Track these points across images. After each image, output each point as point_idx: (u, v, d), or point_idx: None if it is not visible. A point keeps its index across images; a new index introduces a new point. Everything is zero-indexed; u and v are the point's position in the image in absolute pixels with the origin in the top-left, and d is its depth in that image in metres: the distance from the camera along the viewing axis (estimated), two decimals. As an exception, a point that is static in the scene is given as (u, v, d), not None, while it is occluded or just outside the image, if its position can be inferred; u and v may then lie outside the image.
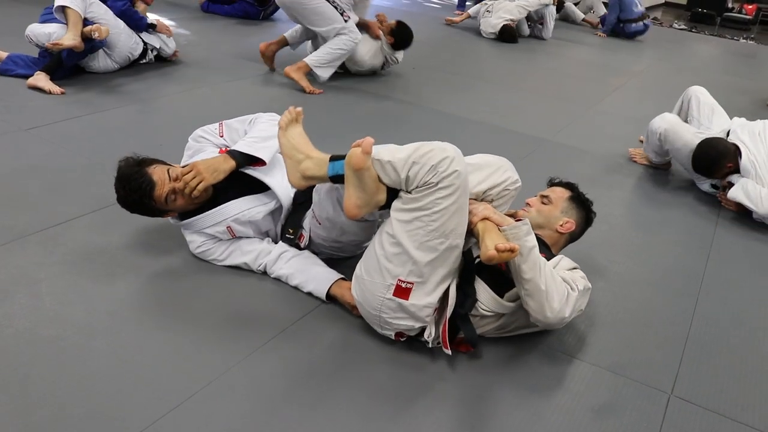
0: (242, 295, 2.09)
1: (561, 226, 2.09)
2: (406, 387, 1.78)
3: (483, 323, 1.87)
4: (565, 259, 1.99)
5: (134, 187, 2.02)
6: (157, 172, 2.05)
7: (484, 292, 1.83)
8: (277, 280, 2.16)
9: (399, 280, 1.73)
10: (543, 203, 2.14)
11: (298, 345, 1.89)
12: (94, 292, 2.02)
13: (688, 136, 3.31)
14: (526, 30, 7.31)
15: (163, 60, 4.56)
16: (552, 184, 2.30)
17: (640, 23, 7.79)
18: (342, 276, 2.09)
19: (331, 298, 2.07)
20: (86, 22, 3.87)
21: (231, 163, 2.11)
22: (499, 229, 1.76)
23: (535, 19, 7.32)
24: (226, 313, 1.99)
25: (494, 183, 1.94)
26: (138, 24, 4.27)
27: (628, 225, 3.00)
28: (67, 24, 3.75)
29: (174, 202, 2.07)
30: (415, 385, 1.79)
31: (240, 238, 2.20)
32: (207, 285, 2.12)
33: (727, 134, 3.28)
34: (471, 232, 1.80)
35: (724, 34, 9.70)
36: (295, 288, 2.12)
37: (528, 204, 2.16)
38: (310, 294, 2.09)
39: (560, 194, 2.19)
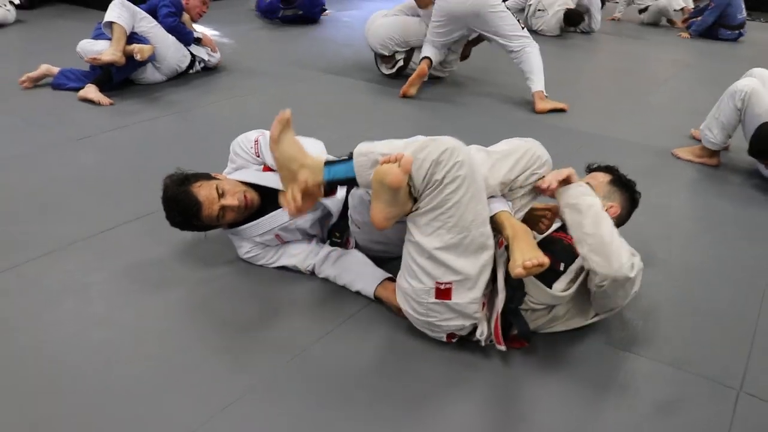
0: (289, 298, 2.06)
1: (606, 211, 1.99)
2: (460, 386, 1.72)
3: (534, 317, 1.80)
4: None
5: (181, 209, 2.01)
6: (203, 191, 2.01)
7: (532, 285, 1.76)
8: (326, 280, 2.13)
9: (437, 282, 1.69)
10: None
11: (346, 346, 1.85)
12: (142, 297, 2.03)
13: None
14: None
15: (209, 69, 4.62)
16: (590, 169, 2.20)
17: (737, 31, 7.26)
18: (389, 276, 2.03)
19: (378, 298, 2.02)
20: (136, 36, 3.97)
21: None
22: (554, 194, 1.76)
23: (583, 9, 7.15)
24: (272, 316, 1.97)
25: (523, 169, 1.86)
26: (186, 38, 4.35)
27: (686, 217, 2.87)
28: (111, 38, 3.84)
29: (224, 218, 2.06)
30: (468, 384, 1.73)
31: (288, 242, 2.18)
32: (254, 288, 2.10)
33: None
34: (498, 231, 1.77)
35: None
36: (344, 287, 2.08)
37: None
38: (358, 293, 2.06)
39: (601, 179, 2.10)
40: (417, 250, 1.70)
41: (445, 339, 1.81)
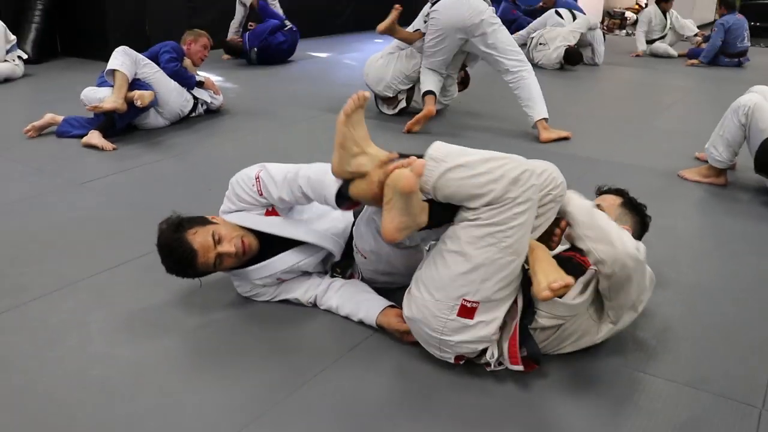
0: (291, 332, 2.02)
1: None
2: (475, 412, 1.66)
3: (543, 336, 1.74)
4: None
5: (176, 258, 1.92)
6: (198, 238, 1.91)
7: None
8: (328, 313, 2.09)
9: (464, 300, 1.62)
10: None
11: (352, 375, 1.80)
12: (143, 333, 1.99)
13: None
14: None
15: (212, 112, 4.66)
16: (601, 192, 2.18)
17: (736, 59, 7.33)
18: (391, 303, 1.99)
19: (380, 326, 1.97)
20: (138, 82, 4.02)
21: None
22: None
23: (585, 44, 7.20)
24: (275, 351, 1.92)
25: (540, 187, 1.75)
26: (188, 83, 4.40)
27: (694, 237, 2.83)
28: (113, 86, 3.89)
29: (221, 266, 1.98)
30: (483, 411, 1.66)
31: (285, 281, 2.14)
32: (255, 324, 2.06)
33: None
34: None
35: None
36: (346, 318, 2.04)
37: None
38: (361, 322, 2.01)
39: (611, 201, 2.08)
40: (456, 261, 1.62)
41: (452, 360, 1.75)
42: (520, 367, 1.70)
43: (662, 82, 6.61)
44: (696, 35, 7.96)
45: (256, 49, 6.70)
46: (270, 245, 2.06)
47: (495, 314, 1.66)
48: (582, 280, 1.75)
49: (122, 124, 4.03)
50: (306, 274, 2.15)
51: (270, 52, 6.78)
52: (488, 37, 4.08)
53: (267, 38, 6.73)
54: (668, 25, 7.99)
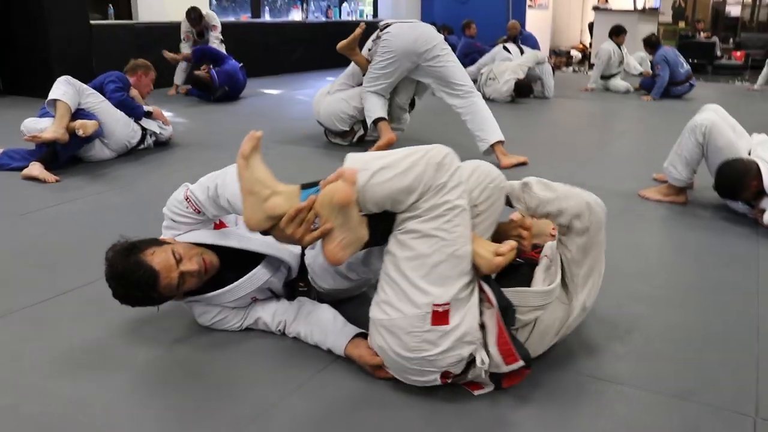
0: (251, 357, 1.85)
1: (553, 229, 1.88)
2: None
3: (523, 336, 1.62)
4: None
5: (134, 283, 1.70)
6: (157, 258, 1.73)
7: (516, 296, 1.58)
8: (293, 339, 1.93)
9: (434, 305, 1.49)
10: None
11: (317, 401, 1.64)
12: (84, 367, 1.80)
13: (732, 135, 3.12)
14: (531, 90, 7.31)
15: (161, 144, 4.50)
16: None
17: (686, 84, 7.44)
18: (361, 331, 1.81)
19: (348, 356, 1.80)
20: (83, 112, 3.84)
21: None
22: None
23: (534, 78, 7.31)
24: (232, 377, 1.75)
25: (481, 183, 1.65)
26: (136, 113, 4.23)
27: (663, 251, 2.80)
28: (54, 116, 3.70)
29: (183, 286, 1.80)
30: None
31: (257, 301, 1.98)
32: (209, 352, 1.89)
33: (749, 154, 3.12)
34: None
35: (718, 80, 9.75)
36: (315, 346, 1.88)
37: (512, 219, 1.91)
38: (330, 351, 1.84)
39: None
40: (411, 266, 1.50)
41: (439, 381, 1.59)
42: (520, 363, 1.56)
43: (613, 112, 6.75)
44: (641, 74, 8.15)
45: (227, 87, 6.60)
46: (229, 263, 1.90)
47: (467, 305, 1.55)
48: (540, 269, 1.68)
49: (65, 156, 3.82)
50: (274, 297, 2.00)
51: (234, 91, 6.73)
52: (440, 61, 4.06)
53: (234, 77, 6.68)
54: (624, 60, 8.12)
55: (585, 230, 1.66)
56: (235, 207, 1.78)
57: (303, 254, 1.97)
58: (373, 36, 4.22)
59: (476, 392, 1.65)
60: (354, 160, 1.53)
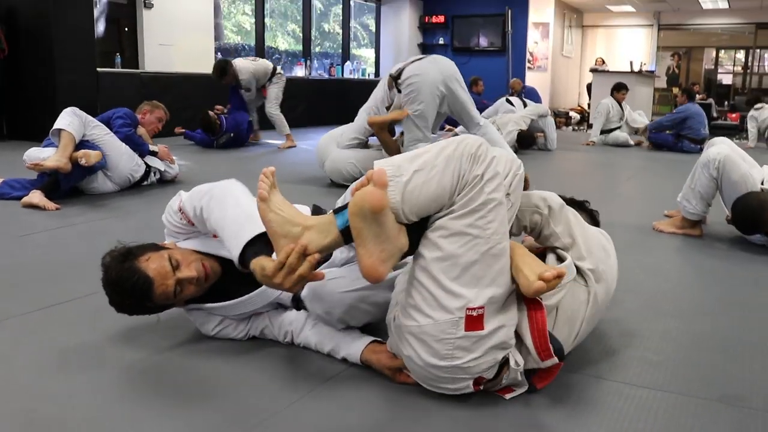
0: (255, 363, 1.72)
1: None
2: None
3: (549, 324, 1.49)
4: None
5: (128, 290, 1.61)
6: (153, 264, 1.63)
7: None
8: (303, 348, 1.79)
9: (468, 309, 1.36)
10: None
11: (329, 406, 1.50)
12: (76, 368, 1.67)
13: (745, 168, 3.06)
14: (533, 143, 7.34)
15: (165, 182, 4.43)
16: None
17: (699, 146, 7.34)
18: (376, 339, 1.70)
19: (365, 363, 1.67)
20: (88, 143, 3.79)
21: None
22: None
23: (536, 131, 7.35)
24: (236, 381, 1.62)
25: (510, 172, 1.51)
26: (141, 149, 4.18)
27: (684, 274, 2.75)
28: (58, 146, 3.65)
29: (181, 294, 1.69)
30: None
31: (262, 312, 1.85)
32: (213, 355, 1.76)
33: (762, 183, 3.07)
34: None
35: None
36: (329, 356, 1.74)
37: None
38: (344, 360, 1.71)
39: None
40: (443, 268, 1.36)
41: (472, 388, 1.45)
42: (554, 360, 1.44)
43: (617, 162, 6.75)
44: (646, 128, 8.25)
45: (231, 134, 6.60)
46: (229, 272, 1.76)
47: (508, 315, 1.42)
48: (551, 256, 1.61)
49: (67, 186, 3.74)
50: (281, 307, 1.88)
51: (238, 141, 6.74)
52: (459, 90, 4.09)
53: (240, 126, 6.68)
54: (624, 116, 8.24)
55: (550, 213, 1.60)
56: (221, 236, 1.64)
57: None
58: (385, 86, 4.19)
59: (508, 396, 1.51)
60: (385, 165, 1.38)
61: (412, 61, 4.15)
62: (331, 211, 1.42)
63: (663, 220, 3.49)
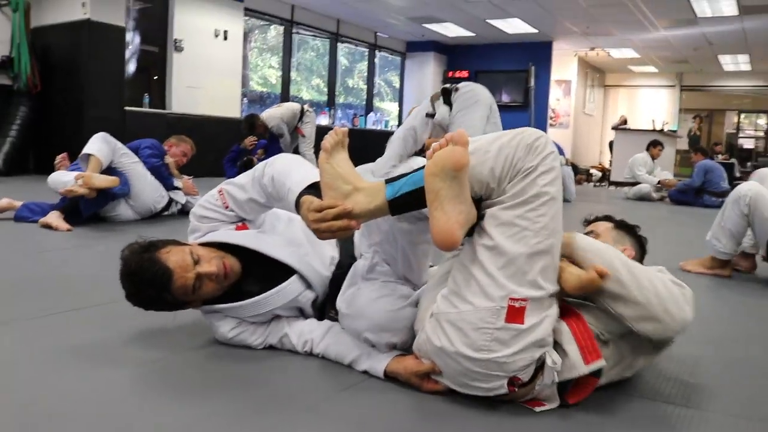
0: (272, 369, 1.64)
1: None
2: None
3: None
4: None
5: (147, 280, 1.59)
6: (173, 257, 1.61)
7: (591, 314, 1.42)
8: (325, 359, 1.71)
9: (511, 299, 1.30)
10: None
11: (351, 412, 1.41)
12: (91, 365, 1.60)
13: None
14: None
15: (186, 213, 4.42)
16: (588, 222, 1.99)
17: (720, 199, 7.30)
18: (400, 352, 1.60)
19: (388, 376, 1.58)
20: (113, 171, 3.81)
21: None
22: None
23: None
24: (250, 385, 1.53)
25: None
26: (166, 182, 4.21)
27: (716, 307, 2.64)
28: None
29: (200, 290, 1.65)
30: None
31: (280, 317, 1.79)
32: (229, 360, 1.69)
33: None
34: None
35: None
36: (349, 367, 1.65)
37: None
38: (365, 373, 1.61)
39: (604, 226, 1.89)
40: (490, 256, 1.33)
41: (506, 389, 1.36)
42: (601, 363, 1.36)
43: (638, 212, 6.63)
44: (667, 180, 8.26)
45: None
46: (249, 274, 1.74)
47: (546, 312, 1.35)
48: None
49: (88, 213, 3.74)
50: (300, 314, 1.81)
51: None
52: (497, 115, 4.06)
53: None
54: (654, 172, 8.28)
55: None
56: (276, 185, 1.64)
57: (331, 278, 1.79)
58: (422, 115, 4.16)
59: (537, 408, 1.42)
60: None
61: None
62: (385, 179, 1.41)
63: (690, 260, 3.38)
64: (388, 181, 1.39)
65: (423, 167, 1.34)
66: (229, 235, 1.77)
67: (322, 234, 1.41)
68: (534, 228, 1.31)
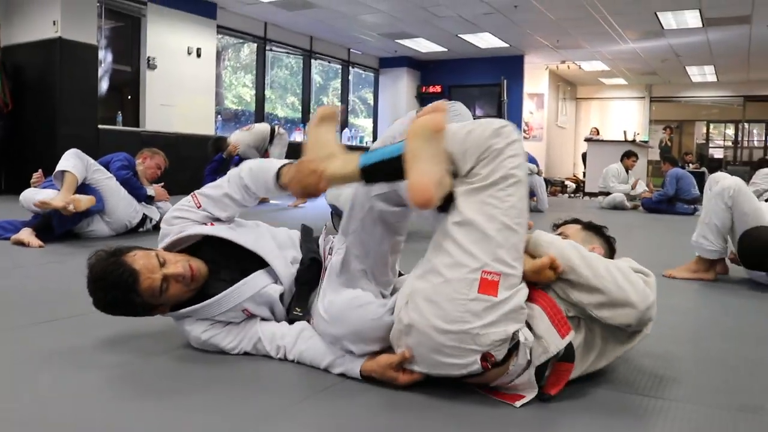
0: (247, 370, 1.63)
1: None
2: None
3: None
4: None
5: (113, 283, 1.59)
6: (139, 259, 1.63)
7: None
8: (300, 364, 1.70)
9: (484, 271, 1.35)
10: None
11: (325, 413, 1.42)
12: (60, 370, 1.58)
13: (757, 202, 3.01)
14: None
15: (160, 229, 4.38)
16: (557, 225, 2.03)
17: (692, 206, 7.47)
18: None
19: (365, 376, 1.58)
20: (87, 187, 3.77)
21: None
22: None
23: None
24: (226, 387, 1.52)
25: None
26: (137, 194, 4.18)
27: (708, 309, 2.69)
28: (60, 188, 3.62)
29: (167, 293, 1.66)
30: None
31: (253, 317, 1.78)
32: (201, 363, 1.67)
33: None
34: None
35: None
36: (325, 371, 1.64)
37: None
38: (342, 375, 1.61)
39: (574, 228, 1.94)
40: (463, 231, 1.39)
41: (479, 365, 1.37)
42: (573, 334, 1.41)
43: (614, 221, 6.68)
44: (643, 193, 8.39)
45: None
46: (215, 277, 1.75)
47: (518, 287, 1.40)
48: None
49: (61, 230, 3.69)
50: (271, 312, 1.80)
51: None
52: None
53: None
54: (629, 181, 8.44)
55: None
56: (255, 171, 1.78)
57: (296, 274, 1.81)
58: (406, 122, 4.16)
59: (517, 403, 1.43)
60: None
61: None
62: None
63: (673, 268, 3.38)
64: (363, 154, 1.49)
65: (400, 142, 1.43)
66: (200, 228, 1.80)
67: (293, 186, 1.57)
68: (503, 206, 1.39)
